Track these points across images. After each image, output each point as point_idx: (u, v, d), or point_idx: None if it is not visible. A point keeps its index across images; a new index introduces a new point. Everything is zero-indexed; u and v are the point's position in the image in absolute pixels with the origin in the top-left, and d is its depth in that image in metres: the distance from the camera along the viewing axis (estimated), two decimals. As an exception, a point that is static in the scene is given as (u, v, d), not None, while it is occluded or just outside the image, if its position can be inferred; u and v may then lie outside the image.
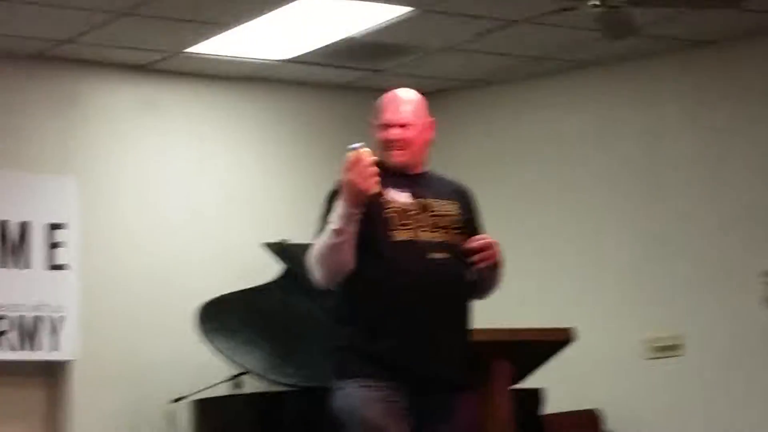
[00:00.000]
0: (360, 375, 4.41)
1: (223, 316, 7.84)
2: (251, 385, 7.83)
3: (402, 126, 4.62)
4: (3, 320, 7.91)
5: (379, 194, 4.46)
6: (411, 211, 4.51)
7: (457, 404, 4.54)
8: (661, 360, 8.58)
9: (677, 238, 8.61)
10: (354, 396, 4.40)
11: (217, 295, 7.95)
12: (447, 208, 4.61)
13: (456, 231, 4.57)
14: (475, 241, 4.50)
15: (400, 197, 4.52)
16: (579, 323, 7.17)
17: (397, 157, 4.59)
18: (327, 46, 8.35)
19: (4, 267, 8.01)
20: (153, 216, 8.60)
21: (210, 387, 7.89)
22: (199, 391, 7.91)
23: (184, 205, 8.71)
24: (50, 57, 8.29)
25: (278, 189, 9.07)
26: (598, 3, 7.12)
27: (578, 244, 9.03)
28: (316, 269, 4.48)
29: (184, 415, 8.04)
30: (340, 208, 4.37)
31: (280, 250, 8.23)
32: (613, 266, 8.73)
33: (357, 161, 4.37)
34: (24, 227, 8.09)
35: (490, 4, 7.64)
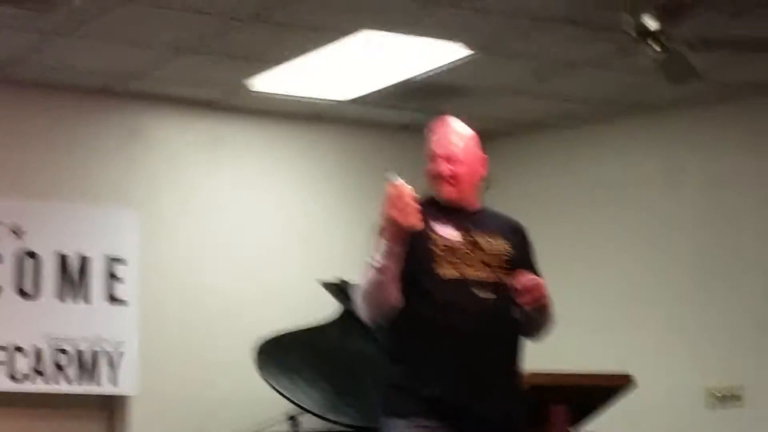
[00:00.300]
0: (408, 414, 4.37)
1: (282, 354, 7.85)
2: (308, 424, 7.80)
3: (453, 160, 4.58)
4: (62, 354, 7.93)
5: (423, 230, 4.37)
6: (459, 247, 4.46)
7: None
8: (722, 411, 8.53)
9: (742, 287, 8.55)
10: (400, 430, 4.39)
11: (277, 332, 7.97)
12: (497, 246, 4.53)
13: (505, 270, 4.51)
14: (521, 280, 4.42)
15: (448, 233, 4.46)
16: (639, 370, 7.20)
17: (446, 192, 4.54)
18: (388, 87, 8.39)
19: (64, 301, 8.03)
20: (213, 252, 8.67)
21: (268, 427, 7.88)
22: (257, 430, 7.91)
23: (245, 242, 8.75)
24: (116, 92, 8.35)
25: (339, 228, 9.06)
26: (657, 47, 7.11)
27: (641, 290, 8.97)
28: (362, 307, 4.46)
29: None
30: (382, 245, 4.31)
31: (339, 289, 8.24)
32: (677, 314, 8.67)
33: (398, 196, 4.28)
34: (84, 261, 8.14)
35: (551, 45, 7.65)
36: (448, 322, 4.37)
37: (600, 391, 6.92)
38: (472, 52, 7.73)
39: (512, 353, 4.56)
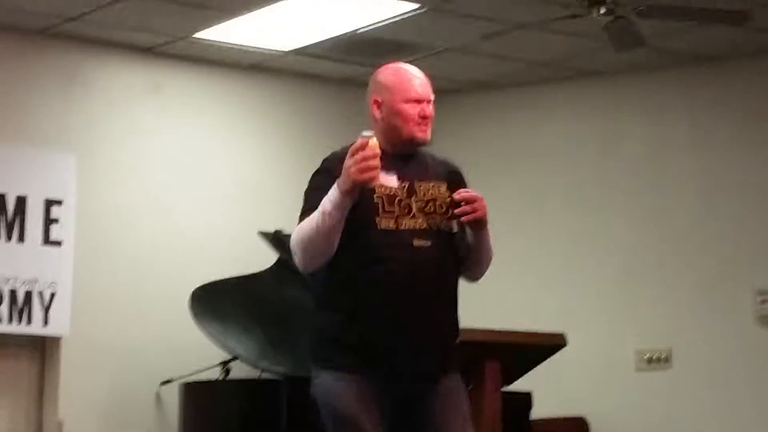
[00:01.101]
0: (334, 364, 4.35)
1: (217, 302, 7.84)
2: (240, 371, 7.84)
3: (429, 102, 4.54)
4: None
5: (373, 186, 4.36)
6: (397, 196, 4.40)
7: (437, 389, 4.42)
8: (650, 372, 8.66)
9: (673, 252, 8.71)
10: (328, 386, 4.36)
11: (212, 280, 7.98)
12: (434, 191, 4.49)
13: (444, 215, 4.47)
14: (462, 193, 4.40)
15: (388, 181, 4.40)
16: (571, 330, 7.29)
17: (426, 134, 4.50)
18: (331, 38, 8.39)
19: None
20: (151, 198, 8.63)
21: (200, 371, 7.90)
22: (188, 375, 7.92)
23: (182, 189, 8.74)
24: (55, 34, 8.26)
25: (276, 179, 9.06)
26: (606, 12, 7.14)
27: (577, 250, 9.09)
28: (298, 252, 4.39)
29: (173, 397, 8.05)
30: (333, 193, 4.26)
31: (276, 239, 8.20)
32: (609, 275, 8.80)
33: (362, 150, 4.25)
34: (21, 201, 8.06)
35: (500, 6, 7.66)
36: (380, 272, 4.33)
37: (533, 348, 7.00)
38: (419, 7, 7.74)
39: (447, 304, 4.52)
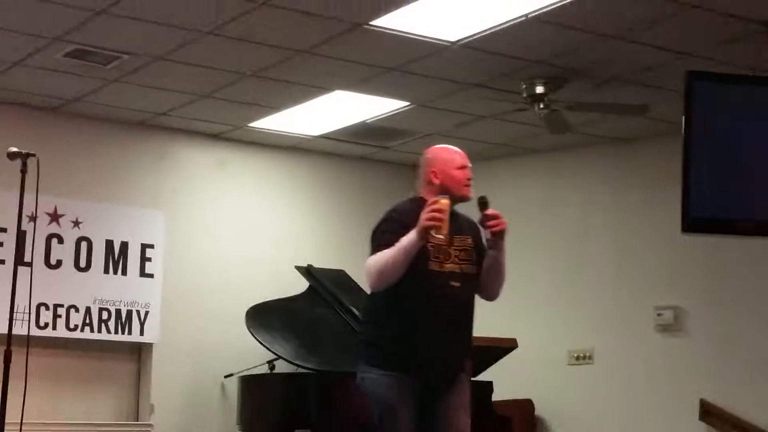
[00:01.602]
0: (384, 366, 4.35)
1: (264, 317, 7.81)
2: (282, 367, 7.76)
3: (469, 168, 4.52)
4: (105, 311, 7.95)
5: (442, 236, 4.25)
6: (443, 245, 4.34)
7: (457, 389, 4.46)
8: (578, 366, 8.61)
9: (596, 280, 8.61)
10: (378, 381, 4.35)
11: (261, 301, 7.96)
12: (464, 242, 4.45)
13: (469, 262, 4.44)
14: (490, 211, 4.39)
15: (439, 235, 4.27)
16: (520, 335, 7.38)
17: (470, 193, 4.48)
18: (347, 127, 8.36)
19: (108, 273, 8.03)
20: (219, 244, 8.61)
21: (253, 368, 7.89)
22: (245, 370, 7.91)
23: (241, 237, 8.71)
24: (150, 125, 8.38)
25: (307, 230, 9.02)
26: (543, 107, 7.18)
27: (526, 276, 8.44)
28: (373, 275, 4.32)
29: (233, 386, 8.01)
30: (411, 235, 4.22)
31: (307, 272, 8.25)
32: (549, 295, 8.67)
33: (441, 210, 4.21)
34: (124, 245, 8.12)
35: (467, 103, 7.63)
36: (427, 304, 4.33)
37: (494, 350, 7.02)
38: (410, 105, 7.78)
39: (468, 327, 4.52)
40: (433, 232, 4.21)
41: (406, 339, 4.34)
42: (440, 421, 4.41)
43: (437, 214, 4.18)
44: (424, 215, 4.18)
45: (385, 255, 4.25)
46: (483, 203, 4.41)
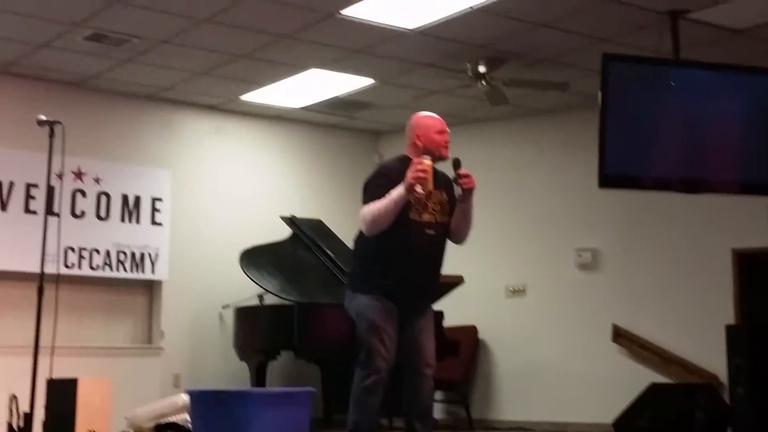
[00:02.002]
0: (371, 293, 4.32)
1: (255, 258, 7.77)
2: (269, 300, 7.71)
3: (447, 132, 4.45)
4: (123, 254, 7.92)
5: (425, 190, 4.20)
6: (422, 199, 4.29)
7: (425, 316, 4.46)
8: (513, 298, 8.61)
9: (526, 226, 8.61)
10: (367, 304, 4.32)
11: (253, 245, 7.91)
12: (440, 197, 4.39)
13: (443, 214, 4.40)
14: (463, 171, 4.30)
15: (419, 189, 4.24)
16: (467, 272, 7.37)
17: (447, 153, 4.40)
18: (324, 100, 8.30)
19: (124, 222, 7.98)
20: (216, 197, 8.56)
21: (246, 300, 7.84)
22: (239, 302, 7.87)
23: (235, 192, 8.67)
24: (157, 98, 8.29)
25: (291, 185, 8.95)
26: (485, 83, 7.20)
27: (474, 228, 8.49)
28: (368, 222, 4.27)
29: (229, 316, 8.03)
30: (399, 189, 4.18)
31: (290, 221, 8.19)
32: (491, 242, 8.46)
33: (424, 170, 4.15)
34: (137, 199, 8.06)
35: (422, 80, 7.61)
36: (406, 247, 4.30)
37: (443, 285, 6.97)
38: (374, 81, 7.76)
39: (438, 268, 4.50)
40: (417, 188, 4.18)
41: (389, 273, 4.31)
42: (412, 339, 4.41)
43: (421, 174, 4.14)
44: (411, 173, 4.15)
45: (378, 205, 4.22)
46: (457, 163, 4.34)
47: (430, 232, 4.35)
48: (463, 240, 4.54)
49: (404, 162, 4.33)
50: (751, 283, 7.48)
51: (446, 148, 4.42)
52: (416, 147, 4.40)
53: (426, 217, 4.34)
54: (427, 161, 4.17)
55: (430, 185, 4.19)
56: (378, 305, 4.31)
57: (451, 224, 4.45)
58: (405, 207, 4.25)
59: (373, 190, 4.31)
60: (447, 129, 4.47)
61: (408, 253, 4.31)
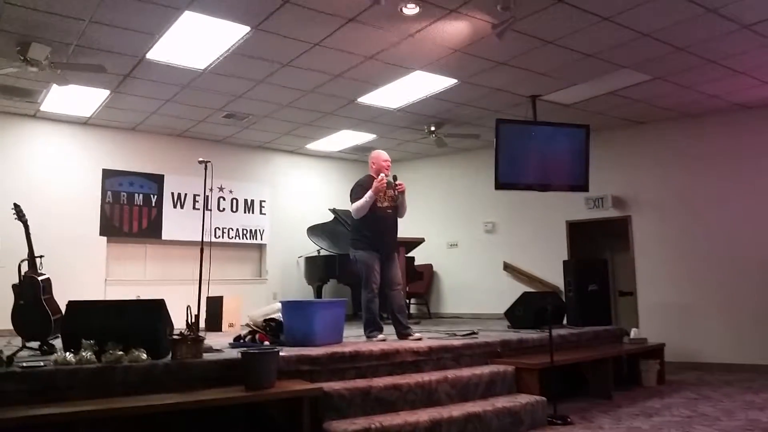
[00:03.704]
0: (364, 249, 4.23)
1: (314, 230, 7.58)
2: (323, 253, 7.45)
3: (389, 162, 4.38)
4: (246, 230, 7.60)
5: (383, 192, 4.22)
6: (382, 195, 4.24)
7: (394, 258, 4.33)
8: (451, 249, 8.18)
9: (459, 212, 8.07)
10: (363, 255, 4.23)
11: (313, 223, 7.79)
12: (390, 195, 4.32)
13: (393, 202, 4.31)
14: (400, 185, 4.27)
15: (383, 192, 4.24)
16: (429, 235, 7.12)
17: (389, 172, 4.32)
18: (349, 147, 7.71)
19: (246, 213, 7.64)
20: (295, 200, 8.15)
21: (310, 253, 7.72)
22: (306, 254, 7.76)
23: (306, 198, 8.22)
24: (262, 147, 7.83)
25: (332, 193, 8.35)
26: (434, 136, 6.98)
27: (430, 212, 8.08)
28: (356, 210, 4.20)
29: (301, 263, 7.90)
30: (371, 192, 4.14)
31: (333, 210, 7.78)
32: (439, 219, 8.06)
33: (382, 182, 4.17)
34: (253, 201, 7.74)
35: (401, 135, 7.21)
36: (378, 222, 4.23)
37: (413, 243, 6.61)
38: (375, 136, 7.31)
39: (396, 231, 4.36)
40: (380, 193, 4.20)
41: (371, 237, 4.23)
42: (387, 271, 4.28)
43: (380, 185, 4.17)
44: (376, 184, 4.16)
45: (360, 202, 4.19)
46: (395, 178, 4.33)
47: (389, 212, 4.28)
48: (403, 215, 4.38)
49: (371, 178, 4.32)
50: (575, 238, 7.41)
51: (388, 169, 4.32)
52: (373, 169, 4.35)
53: (385, 204, 4.27)
54: (384, 178, 4.17)
55: (385, 191, 4.20)
56: (369, 255, 4.21)
57: (397, 208, 4.36)
58: (375, 201, 4.21)
59: (357, 193, 4.26)
60: (389, 159, 4.34)
61: (379, 224, 4.22)
